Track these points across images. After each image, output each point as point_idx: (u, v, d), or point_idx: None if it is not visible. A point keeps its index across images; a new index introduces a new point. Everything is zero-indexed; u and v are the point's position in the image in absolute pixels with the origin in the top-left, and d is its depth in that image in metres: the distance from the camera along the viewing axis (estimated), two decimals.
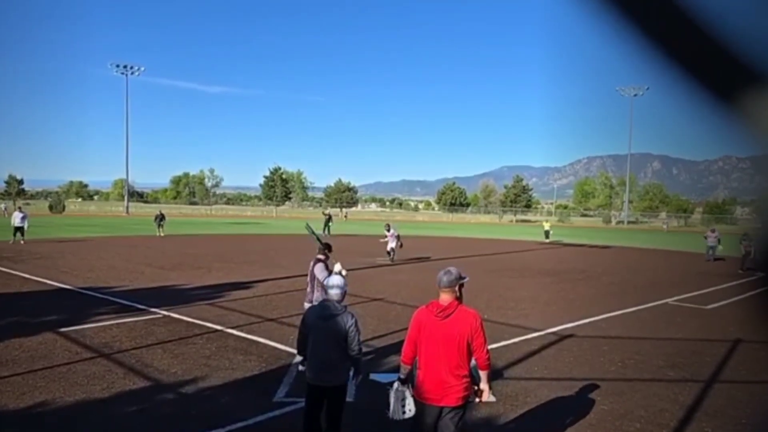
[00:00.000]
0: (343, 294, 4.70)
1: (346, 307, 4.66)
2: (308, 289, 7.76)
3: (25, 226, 25.17)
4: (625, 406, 6.19)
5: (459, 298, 4.07)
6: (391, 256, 21.32)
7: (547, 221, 40.29)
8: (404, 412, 4.11)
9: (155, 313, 10.47)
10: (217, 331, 9.17)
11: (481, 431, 5.54)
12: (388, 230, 22.09)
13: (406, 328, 4.26)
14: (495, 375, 7.17)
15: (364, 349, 7.52)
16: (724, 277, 18.21)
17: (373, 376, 6.95)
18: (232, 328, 9.37)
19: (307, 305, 7.27)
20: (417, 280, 15.67)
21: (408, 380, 4.19)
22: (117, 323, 9.52)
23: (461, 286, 4.08)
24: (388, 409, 4.16)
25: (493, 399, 6.23)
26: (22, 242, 24.29)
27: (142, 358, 7.55)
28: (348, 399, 6.06)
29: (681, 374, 7.52)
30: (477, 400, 4.20)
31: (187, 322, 9.78)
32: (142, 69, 67.41)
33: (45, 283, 13.85)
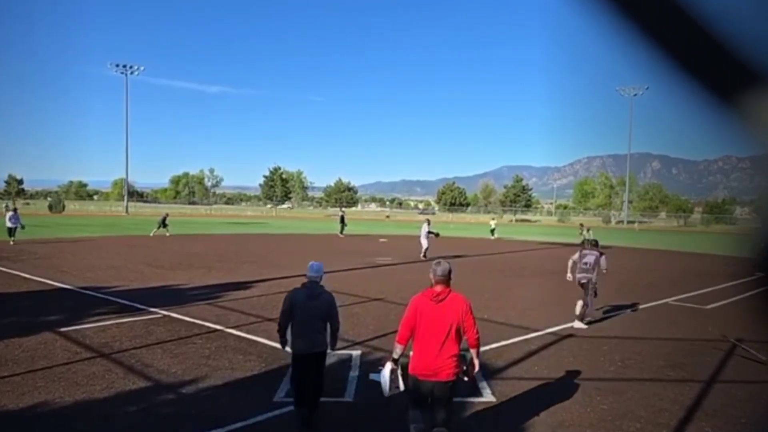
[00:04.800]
0: (321, 276, 5.56)
1: (324, 287, 5.51)
2: None
3: (18, 227, 24.28)
4: (625, 405, 6.19)
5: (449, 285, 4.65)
6: (423, 254, 21.28)
7: (493, 219, 41.84)
8: (397, 387, 4.69)
9: (155, 313, 10.46)
10: (216, 330, 9.17)
11: (481, 431, 5.54)
12: (428, 225, 22.02)
13: None
14: (495, 375, 7.18)
15: (364, 350, 7.76)
16: (723, 277, 18.21)
17: (372, 376, 6.94)
18: (232, 327, 9.37)
19: None
20: (417, 280, 15.66)
21: (399, 360, 4.71)
22: (117, 323, 9.52)
23: (449, 276, 4.65)
24: (382, 387, 4.76)
25: (493, 399, 6.24)
26: (11, 243, 23.45)
27: (141, 358, 7.55)
28: (348, 399, 6.11)
29: (681, 374, 7.52)
30: (465, 378, 4.76)
31: (187, 322, 9.78)
32: (142, 68, 67.32)
33: (45, 283, 13.85)
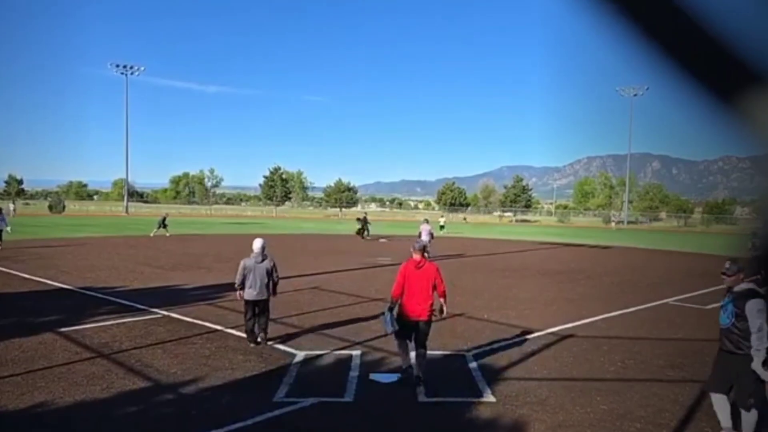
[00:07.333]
0: (263, 249, 8.39)
1: (267, 254, 8.36)
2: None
3: (6, 229, 21.74)
4: (625, 406, 6.19)
5: (425, 256, 6.88)
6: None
7: (442, 216, 50.76)
8: (394, 327, 6.66)
9: (155, 313, 10.46)
10: (216, 331, 9.16)
11: (481, 431, 5.54)
12: (426, 222, 22.02)
13: None
14: (495, 375, 7.19)
15: (364, 350, 7.94)
16: None
17: (372, 376, 6.94)
18: (232, 327, 9.36)
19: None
20: None
21: (393, 309, 6.79)
22: (117, 323, 9.52)
23: (426, 250, 6.95)
24: (384, 328, 6.84)
25: (492, 399, 6.25)
26: None
27: (141, 358, 7.55)
28: (348, 399, 6.15)
29: (681, 374, 7.52)
30: (441, 315, 6.88)
31: (187, 322, 9.78)
32: (142, 69, 67.21)
33: (45, 283, 13.85)
